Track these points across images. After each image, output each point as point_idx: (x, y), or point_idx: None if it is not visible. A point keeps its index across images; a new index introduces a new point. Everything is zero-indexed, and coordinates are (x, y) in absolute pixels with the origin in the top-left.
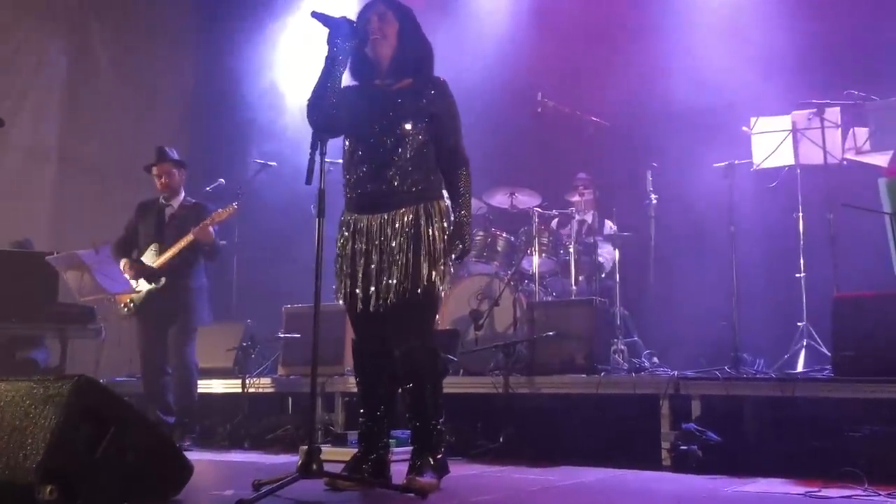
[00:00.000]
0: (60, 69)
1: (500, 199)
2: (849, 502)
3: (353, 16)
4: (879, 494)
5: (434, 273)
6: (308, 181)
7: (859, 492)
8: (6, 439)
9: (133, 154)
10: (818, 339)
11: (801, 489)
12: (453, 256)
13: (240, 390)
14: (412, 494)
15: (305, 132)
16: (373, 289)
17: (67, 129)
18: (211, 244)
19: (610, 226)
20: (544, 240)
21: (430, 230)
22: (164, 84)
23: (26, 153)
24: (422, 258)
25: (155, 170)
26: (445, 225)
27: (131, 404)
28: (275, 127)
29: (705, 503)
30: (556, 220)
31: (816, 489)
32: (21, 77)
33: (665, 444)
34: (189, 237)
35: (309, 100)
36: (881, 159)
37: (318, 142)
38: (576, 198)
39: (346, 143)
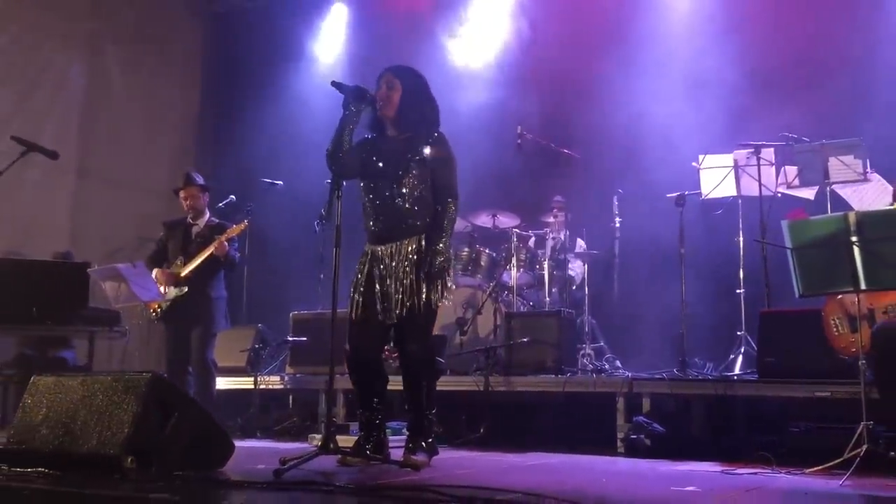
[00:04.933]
0: (79, 89)
1: (483, 220)
2: (753, 478)
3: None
4: (780, 472)
5: (432, 291)
6: (328, 218)
7: (767, 471)
8: (96, 420)
9: (146, 168)
10: (754, 346)
11: (721, 468)
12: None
13: (252, 387)
14: (408, 469)
15: (311, 153)
16: (383, 304)
17: (85, 145)
18: (225, 256)
19: (581, 244)
20: (522, 256)
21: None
22: (175, 103)
23: (47, 168)
24: (422, 279)
25: (182, 193)
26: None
27: (190, 396)
28: (281, 147)
29: (636, 478)
30: (532, 238)
31: (733, 469)
32: (44, 96)
33: (620, 435)
34: (209, 250)
35: (327, 150)
36: (808, 193)
37: (336, 185)
38: (550, 219)
39: (361, 185)
